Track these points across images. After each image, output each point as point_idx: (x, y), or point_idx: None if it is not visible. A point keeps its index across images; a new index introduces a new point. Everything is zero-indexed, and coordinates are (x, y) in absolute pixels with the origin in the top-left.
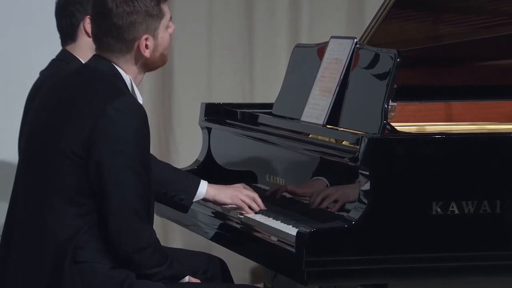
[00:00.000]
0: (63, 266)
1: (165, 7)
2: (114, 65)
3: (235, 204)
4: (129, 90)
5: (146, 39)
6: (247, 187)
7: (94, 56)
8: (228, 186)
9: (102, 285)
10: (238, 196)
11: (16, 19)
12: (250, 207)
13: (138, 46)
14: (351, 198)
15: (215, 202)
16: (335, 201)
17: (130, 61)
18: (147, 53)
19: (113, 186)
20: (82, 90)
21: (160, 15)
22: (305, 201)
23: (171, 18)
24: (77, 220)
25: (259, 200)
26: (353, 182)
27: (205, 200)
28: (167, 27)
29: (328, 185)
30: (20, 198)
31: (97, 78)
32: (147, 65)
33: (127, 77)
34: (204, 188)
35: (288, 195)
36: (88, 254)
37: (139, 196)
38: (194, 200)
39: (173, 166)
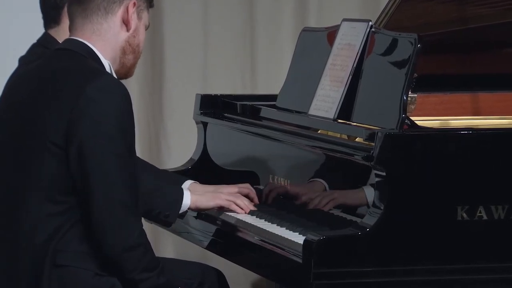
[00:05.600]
0: (42, 271)
1: (148, 10)
2: (91, 47)
3: (220, 205)
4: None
5: (134, 4)
6: (249, 186)
7: (67, 39)
8: (214, 186)
9: None
10: (220, 196)
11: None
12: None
13: (127, 10)
14: (365, 202)
15: (197, 210)
16: (346, 206)
17: (109, 38)
18: (130, 23)
19: (97, 174)
20: (59, 75)
21: (148, 3)
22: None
23: (146, 28)
24: (56, 219)
25: (244, 199)
26: (367, 184)
27: (190, 209)
28: (144, 27)
29: (327, 188)
30: None
31: (74, 60)
32: (124, 52)
33: (105, 62)
34: (188, 200)
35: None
36: (70, 257)
37: (126, 185)
38: (180, 212)
39: (154, 173)
